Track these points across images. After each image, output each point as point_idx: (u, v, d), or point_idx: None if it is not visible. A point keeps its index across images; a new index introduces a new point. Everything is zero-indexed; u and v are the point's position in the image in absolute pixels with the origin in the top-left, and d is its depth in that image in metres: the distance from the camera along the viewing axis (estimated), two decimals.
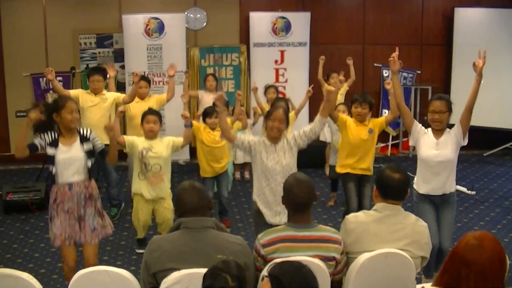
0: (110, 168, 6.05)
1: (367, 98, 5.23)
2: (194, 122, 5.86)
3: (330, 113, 4.76)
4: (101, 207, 4.24)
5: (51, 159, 4.04)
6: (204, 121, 5.90)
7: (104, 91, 6.07)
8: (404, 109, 4.52)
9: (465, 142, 4.42)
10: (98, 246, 4.25)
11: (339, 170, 5.35)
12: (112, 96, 6.05)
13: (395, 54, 4.47)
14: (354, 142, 5.18)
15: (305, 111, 8.47)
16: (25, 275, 2.88)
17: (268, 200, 4.21)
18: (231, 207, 6.44)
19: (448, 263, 2.27)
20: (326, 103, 4.42)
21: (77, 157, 4.06)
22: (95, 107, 5.95)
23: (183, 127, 5.06)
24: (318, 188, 7.03)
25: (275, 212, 4.22)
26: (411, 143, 4.72)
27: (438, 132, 4.39)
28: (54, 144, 4.04)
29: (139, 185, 4.95)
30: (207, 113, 5.84)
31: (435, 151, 4.34)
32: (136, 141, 4.94)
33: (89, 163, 4.12)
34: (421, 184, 4.42)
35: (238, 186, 7.22)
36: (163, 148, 4.92)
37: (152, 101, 6.41)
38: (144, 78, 6.58)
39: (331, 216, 6.26)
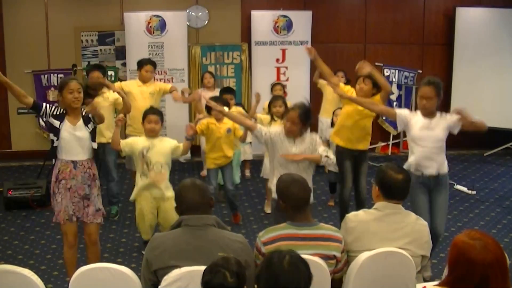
0: (111, 166, 6.05)
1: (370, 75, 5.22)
2: (200, 125, 5.71)
3: (328, 77, 5.39)
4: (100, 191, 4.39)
5: (55, 130, 4.15)
6: (208, 113, 5.84)
7: (105, 89, 6.04)
8: (383, 111, 4.84)
9: (456, 132, 4.48)
10: (100, 225, 4.42)
11: (335, 139, 5.36)
12: (112, 96, 5.95)
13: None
14: (352, 112, 5.19)
15: None
16: (26, 272, 2.89)
17: None
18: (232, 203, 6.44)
19: (454, 264, 2.27)
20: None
21: (83, 136, 4.19)
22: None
23: (183, 127, 5.04)
24: (320, 187, 7.03)
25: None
26: (399, 129, 4.78)
27: (428, 114, 4.44)
28: (61, 117, 4.17)
29: (143, 184, 4.78)
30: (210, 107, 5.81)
31: (426, 131, 4.41)
32: (135, 141, 4.84)
33: (95, 145, 4.28)
34: (414, 166, 4.46)
35: (238, 184, 7.22)
36: (164, 147, 4.81)
37: (153, 88, 6.42)
38: (150, 61, 6.57)
39: (332, 214, 6.27)
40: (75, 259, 4.39)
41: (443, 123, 4.41)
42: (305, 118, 4.27)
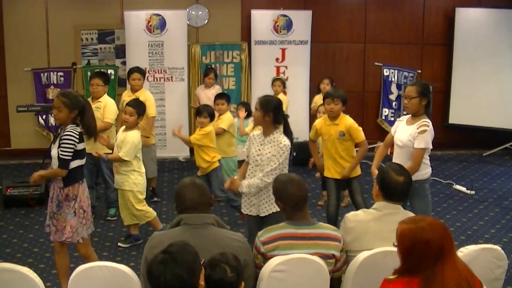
0: (107, 174, 6.01)
1: (339, 92, 5.11)
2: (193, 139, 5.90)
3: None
4: (80, 210, 4.08)
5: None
6: (195, 117, 6.05)
7: (104, 97, 5.94)
8: (388, 141, 4.79)
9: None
10: (68, 246, 4.23)
11: (325, 173, 5.28)
12: (103, 105, 5.86)
13: None
14: (326, 141, 5.12)
15: (305, 109, 8.50)
16: (25, 270, 2.89)
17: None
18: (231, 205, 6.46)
19: (408, 251, 2.40)
20: None
21: (53, 156, 4.02)
22: None
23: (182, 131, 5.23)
24: (318, 186, 7.02)
25: (250, 203, 4.29)
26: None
27: (414, 118, 4.48)
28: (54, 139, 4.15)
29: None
30: (197, 112, 5.93)
31: (398, 135, 4.51)
32: (118, 138, 5.17)
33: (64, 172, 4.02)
34: None
35: None
36: (119, 140, 5.11)
37: (142, 96, 6.15)
38: (137, 70, 6.49)
39: None
40: (66, 267, 4.23)
41: (412, 130, 4.40)
42: (265, 107, 4.15)
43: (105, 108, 5.86)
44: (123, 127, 5.23)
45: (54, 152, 4.00)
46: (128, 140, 5.04)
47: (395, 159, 4.45)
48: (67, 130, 3.96)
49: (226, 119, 6.31)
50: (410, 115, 4.52)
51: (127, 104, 5.20)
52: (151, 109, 6.27)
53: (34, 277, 2.88)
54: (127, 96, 6.37)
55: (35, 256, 5.14)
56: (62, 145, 3.94)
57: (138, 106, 5.17)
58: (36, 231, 5.69)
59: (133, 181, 5.14)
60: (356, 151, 5.21)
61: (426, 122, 4.40)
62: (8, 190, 6.38)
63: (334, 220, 5.10)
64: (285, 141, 4.16)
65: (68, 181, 4.01)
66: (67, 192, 4.03)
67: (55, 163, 4.01)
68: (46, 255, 5.15)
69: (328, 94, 5.14)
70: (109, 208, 6.12)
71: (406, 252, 2.41)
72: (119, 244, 5.39)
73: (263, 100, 4.23)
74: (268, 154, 4.15)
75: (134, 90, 6.40)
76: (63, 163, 3.96)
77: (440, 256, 2.34)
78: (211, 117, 5.87)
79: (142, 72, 6.54)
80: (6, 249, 5.30)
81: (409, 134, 4.42)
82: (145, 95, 6.36)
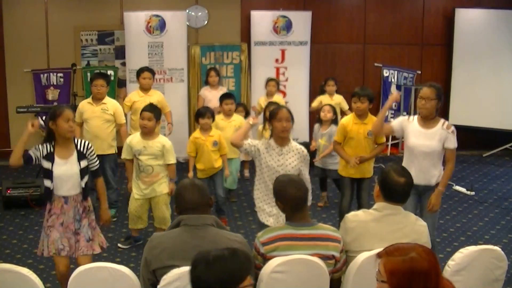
0: (109, 175, 6.02)
1: (366, 91, 5.16)
2: (188, 148, 5.82)
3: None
4: (94, 221, 4.13)
5: (48, 173, 3.92)
6: (197, 121, 5.85)
7: (107, 99, 5.98)
8: (384, 130, 4.78)
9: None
10: (92, 257, 4.11)
11: (340, 171, 5.32)
12: (112, 108, 5.92)
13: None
14: (353, 140, 5.12)
15: (305, 111, 8.49)
16: (25, 271, 2.89)
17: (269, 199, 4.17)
18: (230, 205, 6.46)
19: (404, 285, 2.15)
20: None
21: (73, 172, 3.94)
22: (95, 117, 5.87)
23: (181, 128, 5.13)
24: (318, 187, 7.02)
25: (269, 213, 4.21)
26: (398, 136, 4.79)
27: (427, 122, 4.44)
28: (50, 157, 3.92)
29: (134, 183, 5.14)
30: (200, 114, 5.79)
31: (422, 141, 4.42)
32: (131, 142, 5.06)
33: (83, 183, 4.00)
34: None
35: (237, 184, 7.21)
36: (156, 149, 5.00)
37: (155, 97, 6.43)
38: (148, 69, 6.61)
39: (331, 215, 6.27)
40: (68, 274, 4.09)
41: (439, 134, 4.39)
42: (291, 113, 4.21)
43: (117, 110, 5.97)
44: (137, 133, 5.13)
45: (76, 169, 3.95)
46: (168, 149, 5.02)
47: (415, 166, 4.39)
48: (86, 142, 4.06)
49: (241, 119, 6.36)
50: (420, 117, 4.47)
51: (144, 110, 5.04)
52: (167, 105, 6.73)
53: (33, 277, 2.88)
54: (138, 96, 6.45)
55: (34, 257, 5.13)
56: (93, 156, 4.07)
57: (155, 110, 5.07)
58: (35, 232, 5.68)
59: (165, 183, 5.13)
60: None
61: (448, 122, 4.44)
62: (8, 191, 6.37)
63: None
64: (304, 148, 4.24)
65: (86, 193, 4.04)
66: (85, 204, 4.05)
67: (76, 178, 3.95)
68: (45, 256, 5.13)
69: (355, 93, 5.15)
70: (110, 208, 6.08)
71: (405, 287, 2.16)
72: (119, 245, 5.39)
73: (290, 111, 4.22)
74: (293, 164, 4.14)
75: (144, 89, 6.49)
76: (99, 172, 4.20)
77: (438, 283, 2.18)
78: (213, 118, 5.89)
79: (152, 71, 6.67)
80: (6, 250, 5.29)
81: (437, 139, 4.38)
82: (158, 93, 6.67)
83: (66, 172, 3.92)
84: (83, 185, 4.00)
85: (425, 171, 4.41)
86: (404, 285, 2.14)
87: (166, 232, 2.96)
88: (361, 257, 3.03)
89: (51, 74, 8.40)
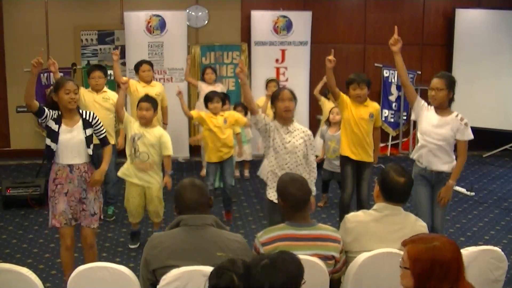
0: (110, 167, 5.99)
1: (364, 77, 5.19)
2: (195, 112, 5.95)
3: (331, 89, 5.07)
4: (99, 192, 4.33)
5: (53, 134, 4.07)
6: (206, 106, 5.90)
7: (106, 89, 6.00)
8: (408, 87, 4.63)
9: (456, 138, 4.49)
10: (95, 231, 4.37)
11: (341, 151, 5.32)
12: (114, 97, 5.90)
13: (396, 35, 4.52)
14: (354, 121, 5.12)
15: (305, 110, 8.49)
16: (25, 270, 2.89)
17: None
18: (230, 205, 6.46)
19: (428, 273, 2.22)
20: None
21: (79, 140, 4.11)
22: (96, 105, 5.85)
23: (181, 128, 5.14)
24: (318, 187, 7.01)
25: None
26: (412, 117, 4.79)
27: (440, 111, 4.44)
28: (58, 121, 4.10)
29: (127, 167, 5.11)
30: (208, 98, 5.86)
31: (435, 128, 4.42)
32: (131, 124, 5.06)
33: (90, 151, 4.17)
34: (417, 156, 4.53)
35: (237, 184, 7.22)
36: (154, 139, 5.01)
37: (157, 88, 6.50)
38: (146, 61, 6.64)
39: (330, 215, 6.27)
40: (72, 261, 4.33)
41: (451, 123, 4.40)
42: (294, 94, 4.45)
43: (114, 94, 5.96)
44: (137, 122, 5.10)
45: (81, 136, 4.11)
46: (165, 140, 5.04)
47: (427, 150, 4.42)
48: (91, 112, 4.25)
49: (230, 112, 6.35)
50: (434, 107, 4.47)
51: (141, 100, 5.10)
52: (166, 99, 6.74)
53: (33, 277, 2.88)
54: (141, 86, 6.45)
55: (34, 256, 5.14)
56: (99, 125, 4.23)
57: (152, 101, 5.13)
58: (35, 232, 5.69)
59: (159, 176, 5.15)
60: None
61: (461, 115, 4.44)
62: (8, 191, 6.37)
63: (347, 210, 5.11)
64: (307, 129, 4.48)
65: (94, 164, 4.22)
66: (90, 175, 4.19)
67: (81, 147, 4.11)
68: (45, 255, 5.15)
69: (353, 80, 5.15)
70: (107, 206, 6.03)
71: (424, 275, 2.22)
72: (130, 245, 5.36)
73: (292, 92, 4.44)
74: (300, 141, 4.34)
75: (146, 81, 6.51)
76: (107, 140, 4.35)
77: (460, 276, 2.21)
78: (223, 102, 5.89)
79: (150, 63, 6.69)
80: (6, 250, 5.29)
81: (449, 128, 4.38)
82: (159, 85, 6.74)
83: (72, 139, 4.10)
84: (90, 153, 4.16)
85: (437, 156, 4.42)
86: (425, 273, 2.21)
87: (166, 232, 2.96)
88: (361, 257, 3.03)
89: (51, 73, 8.38)
